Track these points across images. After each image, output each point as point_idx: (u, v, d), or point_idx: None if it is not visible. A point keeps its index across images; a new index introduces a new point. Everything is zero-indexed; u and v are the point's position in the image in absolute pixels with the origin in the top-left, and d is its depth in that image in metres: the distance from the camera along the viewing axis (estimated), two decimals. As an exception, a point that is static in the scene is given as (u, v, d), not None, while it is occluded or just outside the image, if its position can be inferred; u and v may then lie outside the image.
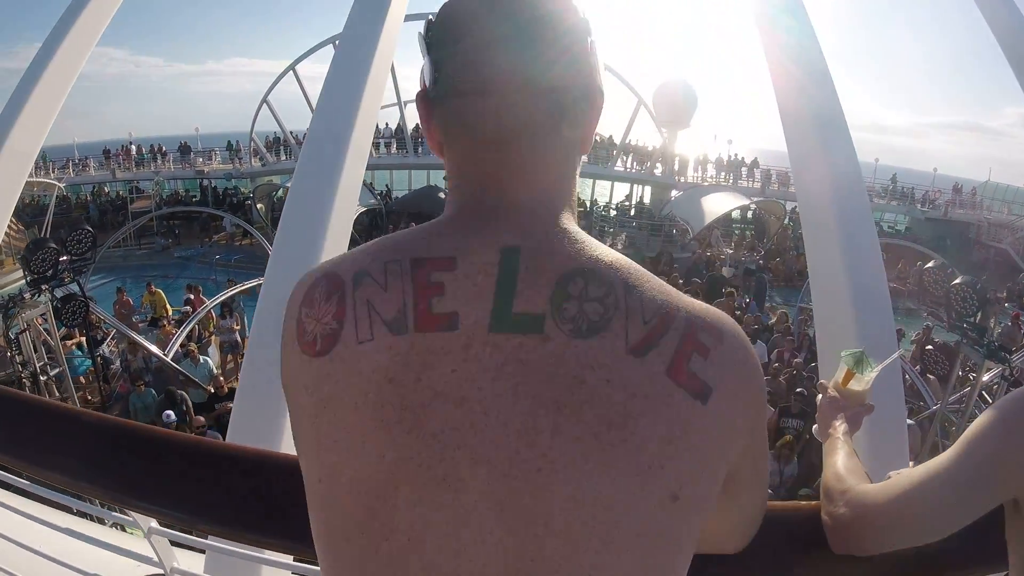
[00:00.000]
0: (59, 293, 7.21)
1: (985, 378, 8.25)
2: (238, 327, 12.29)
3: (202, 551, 2.28)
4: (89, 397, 9.75)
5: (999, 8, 7.59)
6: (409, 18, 6.79)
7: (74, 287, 7.34)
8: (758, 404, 0.71)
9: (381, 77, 4.76)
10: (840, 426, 1.25)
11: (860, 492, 1.03)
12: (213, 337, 12.54)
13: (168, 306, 13.68)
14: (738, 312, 12.96)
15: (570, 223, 0.71)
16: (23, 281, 7.94)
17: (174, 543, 1.78)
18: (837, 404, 1.31)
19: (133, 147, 30.35)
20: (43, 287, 6.98)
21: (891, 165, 31.77)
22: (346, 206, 3.94)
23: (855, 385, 1.32)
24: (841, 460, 1.14)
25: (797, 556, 1.09)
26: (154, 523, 1.64)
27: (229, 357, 12.01)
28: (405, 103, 28.70)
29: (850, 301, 3.73)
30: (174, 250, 23.55)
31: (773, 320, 12.83)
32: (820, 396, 1.38)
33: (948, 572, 1.13)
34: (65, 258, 7.23)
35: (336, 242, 3.84)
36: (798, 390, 8.35)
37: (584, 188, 29.05)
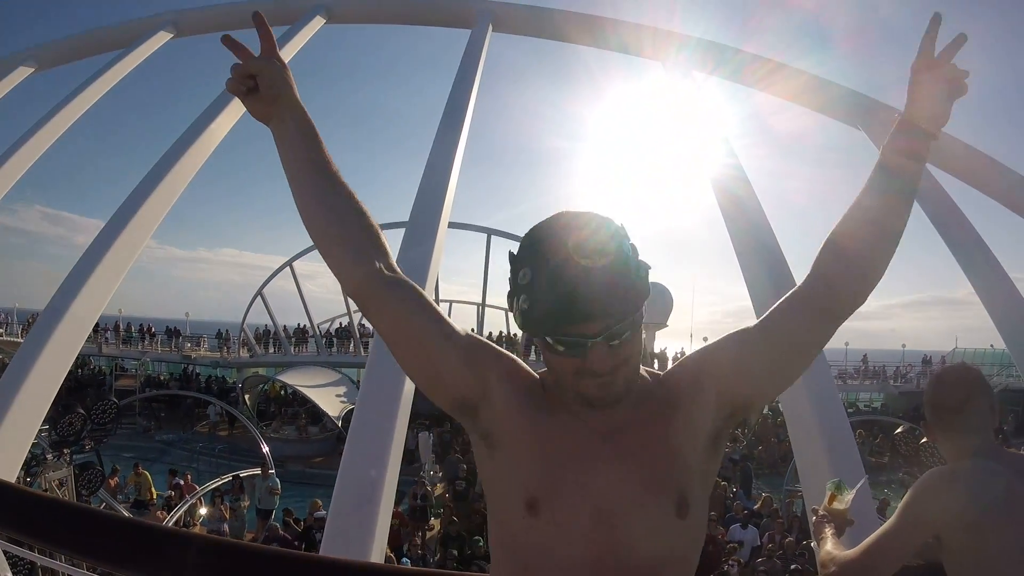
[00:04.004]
0: (77, 459, 7.31)
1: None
2: (228, 516, 12.22)
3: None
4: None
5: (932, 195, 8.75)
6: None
7: (92, 456, 7.51)
8: None
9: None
10: (829, 532, 1.83)
11: (841, 555, 1.67)
12: (199, 525, 12.25)
13: (153, 489, 13.57)
14: (728, 500, 13.23)
15: None
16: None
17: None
18: (825, 520, 1.88)
19: (122, 325, 30.27)
20: (64, 451, 7.14)
21: (862, 348, 33.22)
22: (405, 417, 4.69)
23: (838, 505, 1.90)
24: (829, 544, 1.76)
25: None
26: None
27: (214, 544, 11.68)
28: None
29: (825, 452, 4.59)
30: (155, 433, 23.25)
31: (758, 505, 13.09)
32: (813, 517, 1.95)
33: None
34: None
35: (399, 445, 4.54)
36: (793, 567, 8.44)
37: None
